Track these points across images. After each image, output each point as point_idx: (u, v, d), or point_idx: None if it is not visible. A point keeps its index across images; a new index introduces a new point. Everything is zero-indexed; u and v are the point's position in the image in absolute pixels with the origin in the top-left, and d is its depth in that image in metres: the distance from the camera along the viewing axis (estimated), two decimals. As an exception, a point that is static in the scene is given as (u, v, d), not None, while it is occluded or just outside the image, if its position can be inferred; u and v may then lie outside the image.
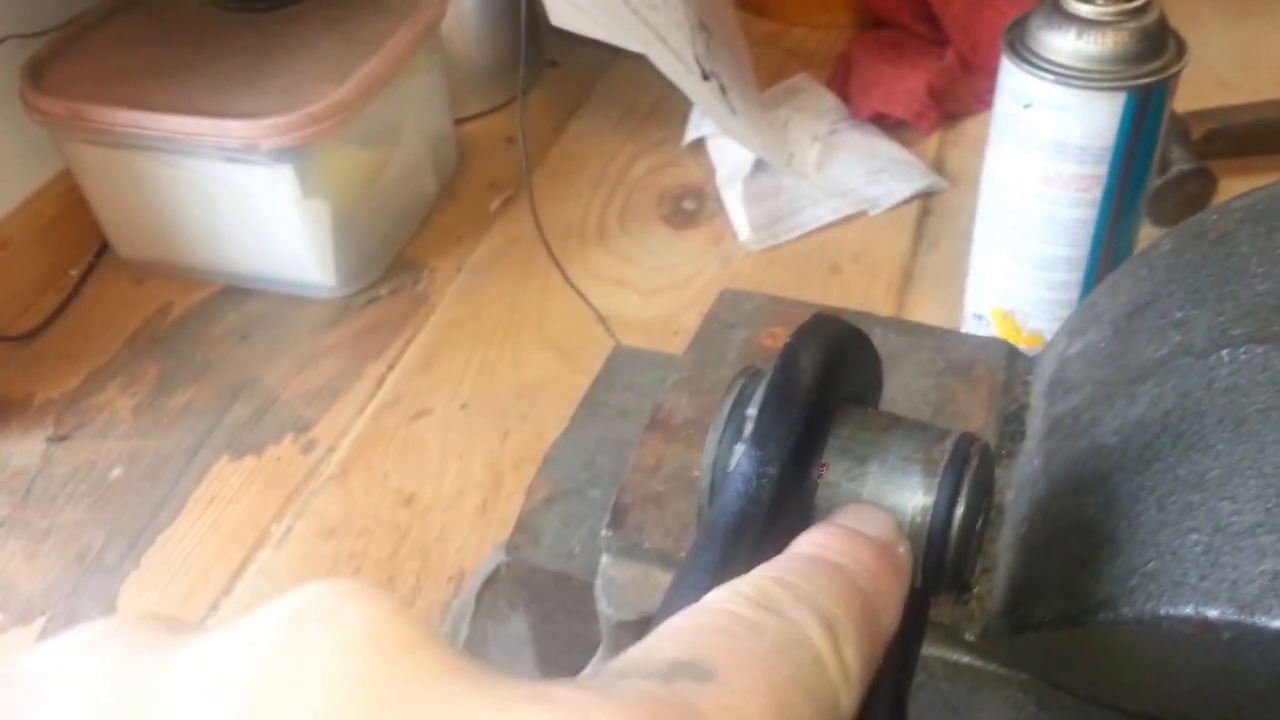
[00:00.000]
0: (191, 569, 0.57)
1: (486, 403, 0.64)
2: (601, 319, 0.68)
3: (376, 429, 0.63)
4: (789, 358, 0.25)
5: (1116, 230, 0.60)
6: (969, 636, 0.31)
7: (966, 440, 0.26)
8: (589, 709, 0.14)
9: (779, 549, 0.24)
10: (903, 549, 0.23)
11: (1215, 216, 0.34)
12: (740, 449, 0.25)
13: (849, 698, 0.18)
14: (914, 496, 0.25)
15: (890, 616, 0.21)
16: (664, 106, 0.86)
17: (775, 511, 0.24)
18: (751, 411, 0.25)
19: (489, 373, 0.67)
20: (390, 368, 0.68)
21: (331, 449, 0.63)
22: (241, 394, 0.67)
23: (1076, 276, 0.61)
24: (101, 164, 0.71)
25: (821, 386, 0.25)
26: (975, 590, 0.31)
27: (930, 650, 0.31)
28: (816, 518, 0.26)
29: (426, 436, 0.63)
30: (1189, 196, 0.75)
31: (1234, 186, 0.74)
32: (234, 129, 0.65)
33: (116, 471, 0.63)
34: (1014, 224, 0.60)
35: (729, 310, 0.39)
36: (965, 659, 0.31)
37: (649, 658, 0.16)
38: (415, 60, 0.74)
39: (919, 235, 0.74)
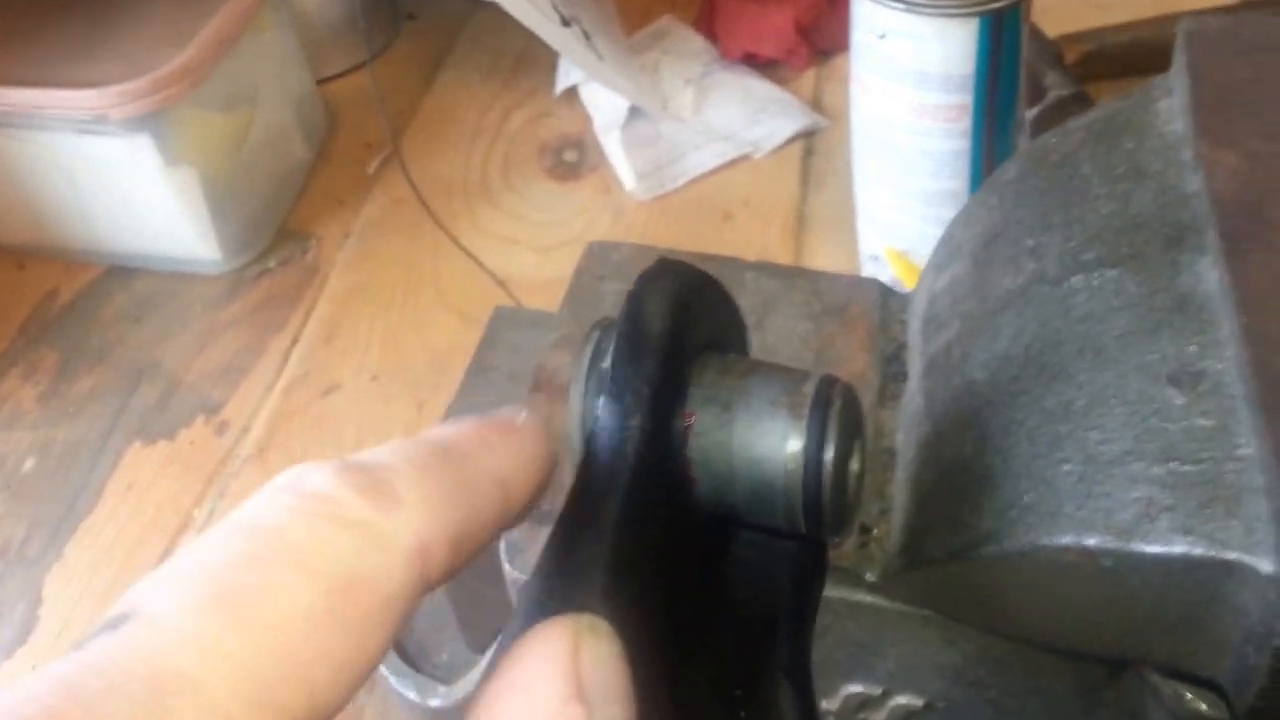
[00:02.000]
0: (115, 557, 0.54)
1: (397, 373, 0.62)
2: (500, 282, 0.65)
3: (288, 406, 0.60)
4: (635, 305, 0.23)
5: (992, 160, 0.58)
6: (869, 577, 0.30)
7: (828, 382, 0.24)
8: None
9: (655, 503, 0.23)
10: (516, 415, 0.21)
11: (1055, 139, 0.33)
12: (601, 403, 0.23)
13: (412, 522, 0.17)
14: (783, 442, 0.24)
15: (500, 456, 0.20)
16: (532, 54, 0.82)
17: (644, 464, 0.22)
18: (605, 364, 0.23)
19: (395, 342, 0.64)
20: (293, 342, 0.64)
21: (245, 429, 0.59)
22: (144, 377, 0.63)
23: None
24: (-50, 143, 0.66)
25: (672, 332, 0.23)
26: (874, 532, 0.30)
27: (833, 593, 0.30)
28: (692, 470, 0.24)
29: (341, 411, 0.60)
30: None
31: (1103, 107, 0.74)
32: (81, 99, 0.60)
33: (29, 463, 0.59)
34: (889, 159, 0.59)
35: (598, 262, 0.37)
36: (867, 599, 0.30)
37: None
38: (260, 17, 0.69)
39: (806, 176, 0.72)
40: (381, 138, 0.78)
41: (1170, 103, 0.29)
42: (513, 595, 0.33)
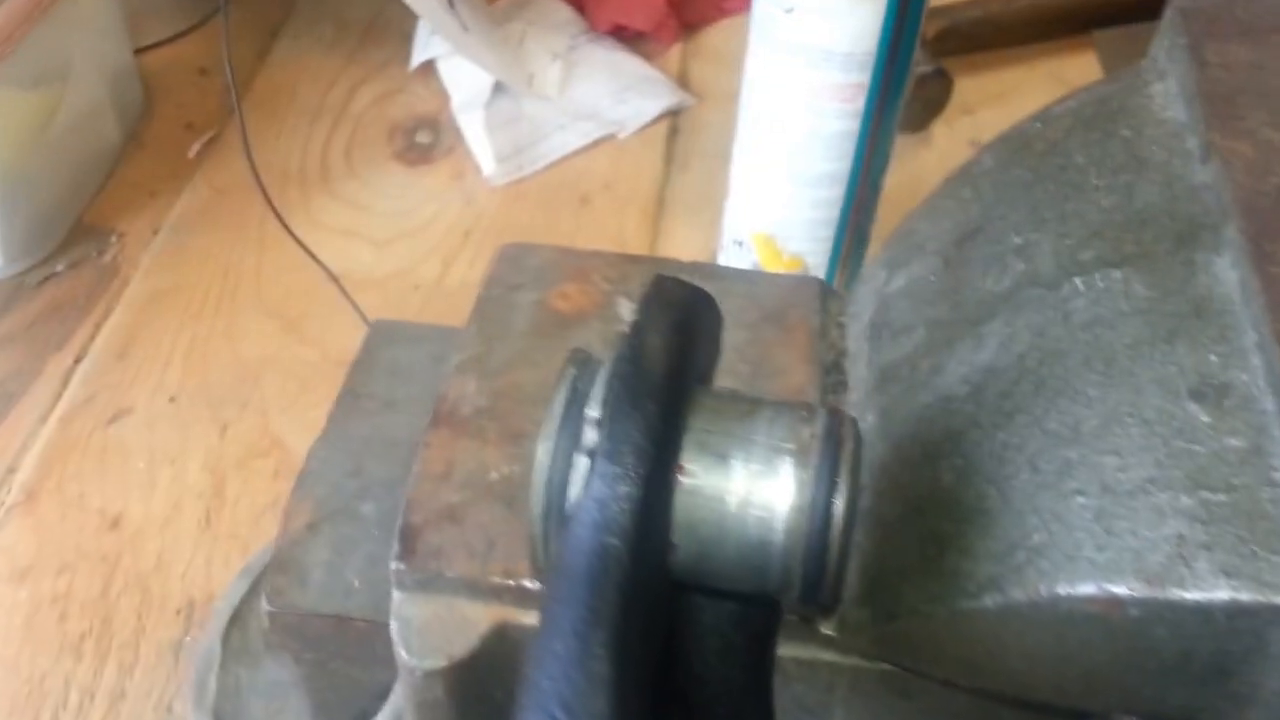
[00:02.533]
0: None
1: (199, 392, 0.56)
2: (333, 278, 0.60)
3: (66, 439, 0.53)
4: (637, 340, 0.20)
5: (877, 141, 0.58)
6: (825, 630, 0.28)
7: (835, 418, 0.22)
8: None
9: (648, 590, 0.20)
10: None
11: (1039, 125, 0.31)
12: (585, 462, 0.20)
13: None
14: (787, 493, 0.21)
15: None
16: (382, 23, 0.77)
17: (640, 541, 0.19)
18: (593, 413, 0.21)
19: (200, 355, 0.58)
20: (77, 360, 0.57)
21: (11, 470, 0.52)
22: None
23: (839, 192, 0.60)
24: None
25: (675, 372, 0.21)
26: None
27: (783, 651, 0.27)
28: (675, 534, 0.22)
29: (129, 441, 0.53)
30: (930, 99, 0.76)
31: (966, 84, 0.75)
32: None
33: None
34: (778, 140, 0.58)
35: (511, 269, 0.34)
36: (822, 656, 0.28)
37: None
38: (78, -20, 0.62)
39: (669, 157, 0.71)
40: (204, 118, 0.71)
41: (1165, 86, 0.28)
42: (403, 681, 0.29)
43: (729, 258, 0.63)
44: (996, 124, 0.77)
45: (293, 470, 0.53)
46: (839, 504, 0.21)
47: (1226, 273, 0.24)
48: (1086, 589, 0.22)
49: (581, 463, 0.21)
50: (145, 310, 0.60)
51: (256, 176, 0.61)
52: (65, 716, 0.43)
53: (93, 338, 0.58)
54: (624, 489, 0.19)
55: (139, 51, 0.74)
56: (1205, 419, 0.23)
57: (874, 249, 0.62)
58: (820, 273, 0.61)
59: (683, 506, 0.21)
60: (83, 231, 0.64)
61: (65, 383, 0.56)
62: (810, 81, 0.55)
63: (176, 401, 0.55)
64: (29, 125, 0.61)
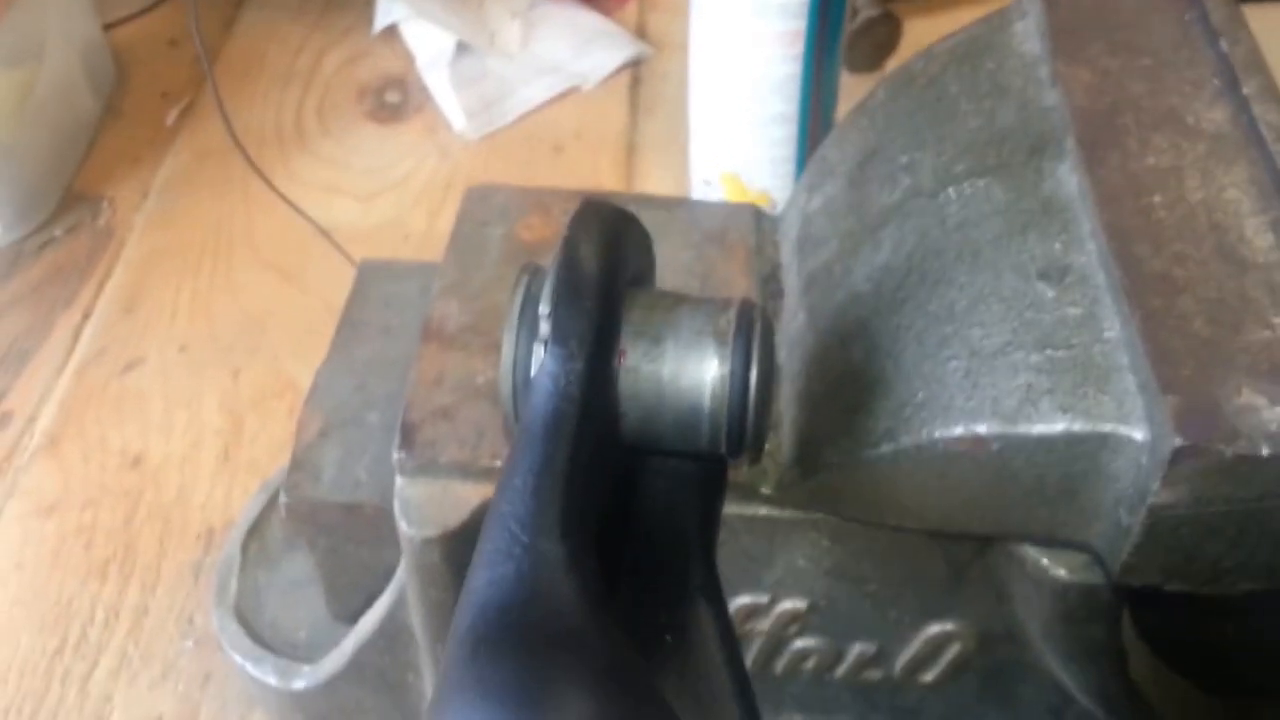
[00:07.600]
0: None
1: (208, 341, 0.61)
2: (323, 232, 0.65)
3: (83, 388, 0.59)
4: (570, 248, 0.26)
5: (821, 82, 0.64)
6: (764, 490, 0.34)
7: (747, 307, 0.28)
8: None
9: (593, 443, 0.25)
10: None
11: (922, 63, 0.37)
12: (539, 349, 0.26)
13: None
14: (711, 367, 0.27)
15: None
16: (344, -9, 0.82)
17: (587, 406, 0.25)
18: (544, 309, 0.26)
19: (204, 307, 0.63)
20: (85, 317, 0.63)
21: (32, 419, 0.57)
22: (-98, 372, 0.60)
23: (791, 131, 0.65)
24: None
25: (607, 272, 0.26)
26: (767, 447, 0.34)
27: (729, 509, 0.33)
28: (621, 405, 0.27)
29: (144, 388, 0.59)
30: (878, 42, 0.81)
31: (916, 28, 0.80)
32: None
33: None
34: (726, 85, 0.63)
35: (479, 207, 0.39)
36: (762, 511, 0.34)
37: None
38: (46, -41, 0.66)
39: (635, 105, 0.76)
40: (178, 86, 0.76)
41: (1025, 25, 0.33)
42: (405, 553, 0.34)
43: (700, 196, 0.68)
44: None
45: (305, 408, 0.59)
46: (754, 373, 0.27)
47: (1068, 176, 0.30)
48: (957, 430, 0.28)
49: (538, 351, 0.26)
50: (145, 268, 0.65)
51: (235, 139, 0.66)
52: (93, 631, 0.49)
53: (97, 296, 0.64)
54: (570, 365, 0.25)
55: (108, 26, 0.78)
56: (1050, 294, 0.29)
57: (820, 183, 0.67)
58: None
59: (627, 383, 0.26)
60: (74, 199, 0.69)
61: (76, 338, 0.61)
62: (752, 29, 0.60)
63: (187, 350, 0.60)
64: (8, 101, 0.65)
